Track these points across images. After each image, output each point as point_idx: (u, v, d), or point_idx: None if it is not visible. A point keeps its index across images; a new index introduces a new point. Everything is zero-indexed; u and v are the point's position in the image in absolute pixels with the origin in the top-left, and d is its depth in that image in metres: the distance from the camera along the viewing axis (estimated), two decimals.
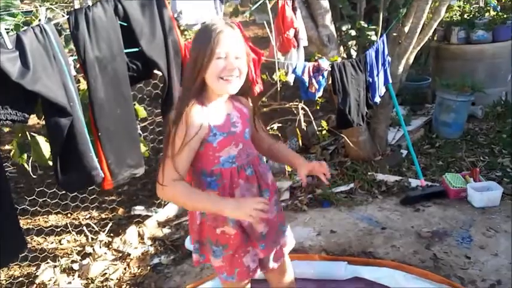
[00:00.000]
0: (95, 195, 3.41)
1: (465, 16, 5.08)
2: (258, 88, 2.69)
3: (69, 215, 3.56)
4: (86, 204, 3.34)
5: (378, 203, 3.34)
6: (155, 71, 2.37)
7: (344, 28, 3.45)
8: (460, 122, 4.25)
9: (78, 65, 2.07)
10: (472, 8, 5.37)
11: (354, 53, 3.50)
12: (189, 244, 2.94)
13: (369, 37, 3.42)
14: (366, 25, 3.41)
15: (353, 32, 3.44)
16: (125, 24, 2.17)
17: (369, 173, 3.65)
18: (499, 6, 6.57)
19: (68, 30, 2.10)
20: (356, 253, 2.78)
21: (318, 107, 3.10)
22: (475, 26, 4.83)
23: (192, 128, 1.47)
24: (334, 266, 2.54)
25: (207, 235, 1.65)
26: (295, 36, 3.02)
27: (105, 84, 2.08)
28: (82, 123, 1.98)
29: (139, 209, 3.37)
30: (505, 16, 4.86)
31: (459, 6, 5.25)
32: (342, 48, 3.44)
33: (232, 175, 1.57)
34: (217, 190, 1.57)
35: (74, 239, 3.24)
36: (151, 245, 3.05)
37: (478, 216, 3.04)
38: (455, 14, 5.25)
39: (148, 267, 2.85)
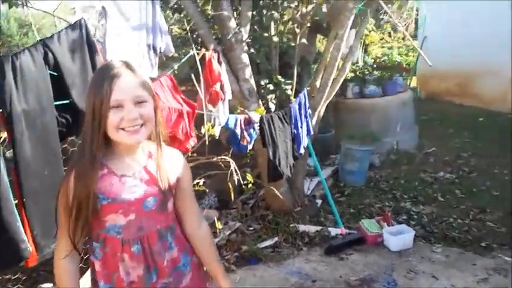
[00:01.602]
0: None
1: (357, 73, 5.61)
2: (192, 142, 2.60)
3: None
4: None
5: (303, 255, 3.37)
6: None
7: (262, 82, 3.55)
8: (363, 170, 4.57)
9: None
10: (358, 67, 5.98)
11: (272, 106, 3.60)
12: None
13: (286, 91, 3.57)
14: (282, 79, 3.56)
15: (271, 86, 3.56)
16: (55, 73, 1.96)
17: (291, 225, 3.68)
18: (375, 65, 7.42)
19: None
20: None
21: (248, 160, 3.09)
22: (366, 82, 5.35)
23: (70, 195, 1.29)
24: None
25: None
26: (221, 89, 3.03)
27: (33, 140, 1.84)
28: (6, 184, 1.69)
29: (47, 287, 2.92)
30: (389, 74, 5.48)
31: (353, 64, 5.79)
32: (260, 101, 3.52)
33: (116, 247, 1.35)
34: (100, 260, 1.37)
35: None
36: None
37: (396, 259, 3.23)
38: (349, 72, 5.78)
39: None
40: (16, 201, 1.75)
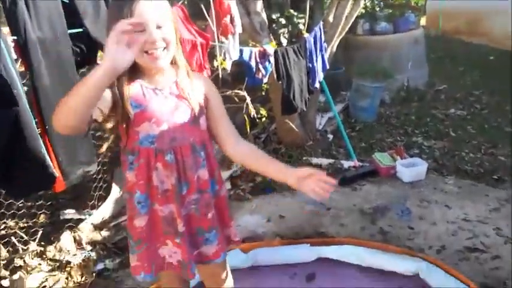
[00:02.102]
0: (0, 201, 2.92)
1: (368, 9, 5.45)
2: (205, 74, 2.56)
3: None
4: (1, 212, 2.87)
5: None
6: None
7: (274, 16, 3.46)
8: (374, 106, 4.55)
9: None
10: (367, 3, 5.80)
11: (284, 41, 3.52)
12: None
13: (298, 25, 3.48)
14: (294, 13, 3.46)
15: (283, 20, 3.47)
16: (67, 1, 1.91)
17: (304, 158, 3.72)
18: (381, 2, 7.20)
19: None
20: (309, 235, 2.81)
21: (263, 93, 3.07)
22: (377, 18, 5.21)
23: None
24: (297, 249, 2.53)
25: (127, 226, 1.50)
26: (231, 22, 2.95)
27: (50, 69, 1.82)
28: (29, 114, 1.70)
29: (69, 213, 3.00)
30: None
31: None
32: (271, 36, 3.44)
33: (150, 157, 1.39)
34: (135, 171, 1.40)
35: None
36: (91, 250, 2.74)
37: (409, 190, 3.27)
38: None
39: (94, 274, 2.56)
40: (39, 129, 1.76)
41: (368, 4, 5.63)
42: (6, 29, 1.73)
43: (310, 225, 2.90)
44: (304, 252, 2.50)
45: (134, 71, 1.35)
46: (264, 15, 3.34)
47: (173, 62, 1.42)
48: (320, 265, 2.48)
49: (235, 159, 1.55)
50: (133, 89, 1.35)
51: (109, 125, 1.36)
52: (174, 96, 1.40)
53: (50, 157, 1.79)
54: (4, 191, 1.68)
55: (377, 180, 3.45)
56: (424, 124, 4.47)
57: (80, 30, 1.94)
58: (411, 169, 3.35)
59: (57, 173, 1.80)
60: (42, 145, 1.72)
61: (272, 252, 2.53)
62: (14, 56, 1.70)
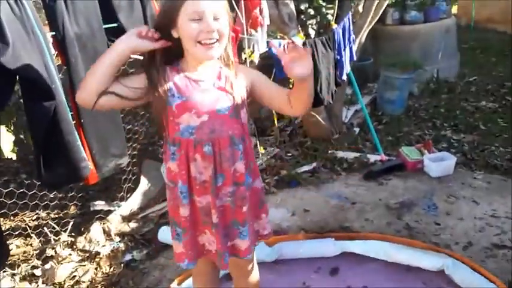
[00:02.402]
0: (34, 192, 3.03)
1: None
2: None
3: (11, 217, 3.17)
4: (34, 203, 2.99)
5: (342, 180, 3.42)
6: None
7: (303, 7, 3.44)
8: (403, 98, 4.49)
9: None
10: None
11: (312, 32, 3.51)
12: (162, 236, 2.78)
13: (326, 16, 3.46)
14: (323, 4, 3.43)
15: (311, 11, 3.45)
16: None
17: (329, 151, 3.72)
18: None
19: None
20: (334, 229, 2.82)
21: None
22: (407, 7, 5.10)
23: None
24: (322, 243, 2.55)
25: (171, 216, 1.56)
26: (260, 14, 2.95)
27: (86, 64, 1.88)
28: (66, 108, 1.76)
29: (99, 204, 3.09)
30: None
31: None
32: (299, 27, 3.43)
33: (189, 148, 1.43)
34: (177, 161, 1.45)
35: (25, 243, 2.89)
36: (120, 241, 2.83)
37: (436, 185, 3.24)
38: None
39: (122, 265, 2.64)
40: (74, 122, 1.82)
41: None
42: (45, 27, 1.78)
43: (334, 220, 2.91)
44: (329, 247, 2.51)
45: (177, 61, 1.43)
46: (292, 6, 3.32)
47: (220, 55, 1.45)
48: (344, 259, 2.49)
49: (296, 110, 1.50)
50: (176, 80, 1.40)
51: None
52: (216, 88, 1.44)
53: (84, 149, 1.85)
54: (40, 182, 1.74)
55: (404, 174, 3.42)
56: (453, 117, 4.38)
57: (115, 25, 1.98)
58: (439, 163, 3.31)
59: (91, 165, 1.87)
60: (78, 138, 1.78)
61: (297, 246, 2.56)
62: (53, 51, 1.76)
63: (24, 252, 2.77)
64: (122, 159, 2.05)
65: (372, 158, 3.64)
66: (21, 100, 1.93)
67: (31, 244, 2.84)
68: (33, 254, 2.72)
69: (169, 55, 1.42)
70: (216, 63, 1.47)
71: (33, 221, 3.15)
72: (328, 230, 2.81)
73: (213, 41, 1.35)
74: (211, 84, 1.44)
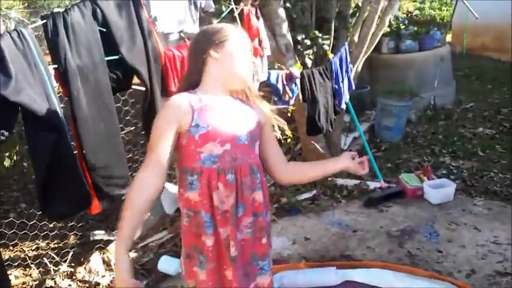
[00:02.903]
0: (34, 222, 3.01)
1: (392, 28, 5.46)
2: None
3: (10, 247, 3.14)
4: (34, 233, 2.97)
5: (343, 207, 3.42)
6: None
7: (299, 38, 3.51)
8: (401, 125, 4.53)
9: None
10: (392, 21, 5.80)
11: (309, 62, 3.57)
12: (162, 266, 2.75)
13: (323, 46, 3.52)
14: (319, 34, 3.51)
15: (308, 42, 3.52)
16: (104, 29, 1.99)
17: (329, 179, 3.72)
18: (406, 20, 7.19)
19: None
20: (335, 257, 2.80)
21: (290, 115, 3.11)
22: (402, 37, 5.21)
23: (171, 111, 1.41)
24: (324, 272, 2.53)
25: (191, 243, 1.49)
26: (259, 45, 3.01)
27: (88, 96, 1.90)
28: (68, 139, 1.77)
29: (99, 234, 3.07)
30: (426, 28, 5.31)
31: None
32: (296, 57, 3.49)
33: (211, 176, 1.41)
34: (197, 190, 1.42)
35: (24, 273, 2.86)
36: None
37: (437, 212, 3.23)
38: None
39: None
40: (76, 153, 1.83)
41: (393, 22, 5.64)
42: (47, 58, 1.82)
43: (336, 248, 2.89)
44: (331, 276, 2.49)
45: (195, 90, 1.47)
46: (289, 36, 3.39)
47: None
48: None
49: (284, 181, 1.64)
50: (201, 112, 1.41)
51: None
52: (237, 118, 1.47)
53: (86, 180, 1.86)
54: (43, 212, 1.74)
55: (404, 201, 3.42)
56: (451, 143, 4.42)
57: (117, 57, 2.02)
58: (439, 190, 3.32)
59: (93, 196, 1.87)
60: (80, 169, 1.79)
61: (298, 275, 2.53)
62: (55, 84, 1.79)
63: (24, 283, 2.74)
64: (125, 189, 2.04)
65: (372, 185, 3.65)
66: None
67: (30, 275, 2.82)
68: (32, 285, 2.69)
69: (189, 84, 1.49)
70: (233, 95, 1.53)
71: (32, 251, 3.13)
72: (330, 258, 2.79)
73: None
74: (233, 114, 1.47)
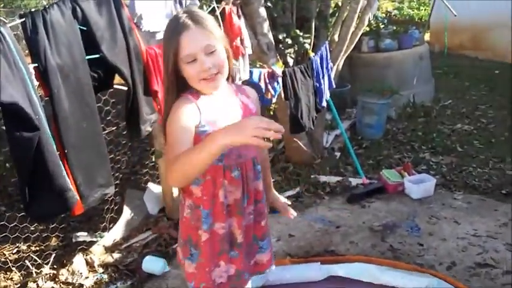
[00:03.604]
0: (15, 224, 2.96)
1: (372, 27, 5.53)
2: None
3: None
4: (15, 235, 2.92)
5: (326, 204, 3.45)
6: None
7: (280, 37, 3.53)
8: (381, 123, 4.59)
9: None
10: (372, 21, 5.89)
11: (290, 61, 3.59)
12: (146, 266, 2.74)
13: (304, 45, 3.55)
14: (300, 34, 3.54)
15: (289, 41, 3.54)
16: (84, 28, 1.98)
17: (312, 176, 3.76)
18: (385, 20, 7.30)
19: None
20: (319, 253, 2.83)
21: (272, 113, 3.12)
22: (381, 36, 5.28)
23: (183, 121, 1.35)
24: (308, 267, 2.56)
25: (188, 234, 1.54)
26: (241, 43, 3.02)
27: (69, 95, 1.88)
28: (50, 138, 1.76)
29: (82, 235, 3.04)
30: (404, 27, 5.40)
31: None
32: (278, 56, 3.51)
33: (217, 173, 1.44)
34: (200, 185, 1.45)
35: (5, 277, 2.81)
36: (103, 273, 2.78)
37: (418, 206, 3.30)
38: None
39: None
40: (58, 153, 1.81)
41: (372, 22, 5.72)
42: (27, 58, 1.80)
43: (320, 244, 2.93)
44: (315, 271, 2.52)
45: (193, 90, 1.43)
46: (270, 35, 3.41)
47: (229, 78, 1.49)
48: (331, 283, 2.50)
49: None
50: (206, 110, 1.40)
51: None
52: (238, 114, 1.46)
53: (69, 180, 1.84)
54: (27, 213, 1.72)
55: (385, 197, 3.48)
56: (431, 140, 4.49)
57: (97, 56, 2.01)
58: (419, 185, 3.38)
59: (76, 195, 1.85)
60: (63, 169, 1.77)
61: (283, 271, 2.55)
62: (35, 82, 1.77)
63: (5, 287, 2.69)
64: (108, 189, 2.03)
65: (354, 181, 3.69)
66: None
67: (12, 278, 2.77)
68: None
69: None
70: (227, 88, 1.50)
71: (13, 254, 3.08)
72: (314, 254, 2.82)
73: (213, 75, 1.37)
74: (234, 110, 1.47)
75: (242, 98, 1.53)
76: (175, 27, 1.35)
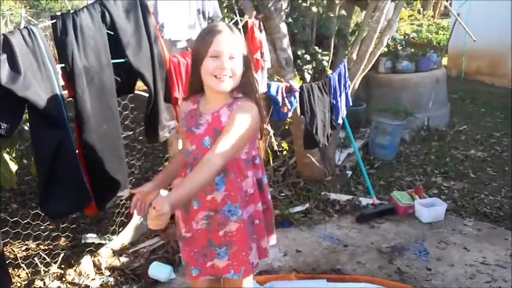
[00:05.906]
0: (27, 222, 2.98)
1: (390, 48, 5.55)
2: None
3: None
4: (26, 232, 2.95)
5: (335, 222, 3.44)
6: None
7: (299, 52, 3.57)
8: (395, 144, 4.58)
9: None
10: (390, 42, 5.92)
11: (307, 77, 3.62)
12: (152, 272, 2.75)
13: (322, 62, 3.59)
14: (319, 50, 3.57)
15: (308, 57, 3.58)
16: (111, 32, 2.03)
17: (322, 193, 3.75)
18: (403, 41, 7.31)
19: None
20: (325, 271, 2.82)
21: (286, 127, 3.14)
22: (399, 57, 5.30)
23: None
24: (314, 284, 2.55)
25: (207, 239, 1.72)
26: (261, 57, 3.07)
27: (92, 97, 1.92)
28: (71, 138, 1.79)
29: (91, 237, 3.06)
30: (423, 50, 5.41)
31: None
32: (295, 71, 3.55)
33: (183, 168, 1.71)
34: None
35: (13, 273, 2.83)
36: (110, 276, 2.79)
37: (427, 230, 3.27)
38: None
39: None
40: (77, 152, 1.85)
41: (391, 43, 5.74)
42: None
43: (326, 262, 2.91)
44: (321, 287, 2.51)
45: (198, 95, 1.69)
46: (289, 51, 3.45)
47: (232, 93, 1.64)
48: None
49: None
50: (188, 113, 1.69)
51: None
52: (206, 123, 1.64)
53: (85, 180, 1.87)
54: (41, 208, 1.75)
55: (395, 218, 3.45)
56: (443, 164, 4.47)
57: (123, 60, 2.05)
58: (430, 209, 3.36)
59: (91, 196, 1.88)
60: (81, 168, 1.80)
61: (288, 285, 2.55)
62: (61, 83, 1.81)
63: (12, 283, 2.71)
64: (123, 192, 2.06)
65: (364, 201, 3.68)
66: (25, 127, 1.97)
67: (19, 275, 2.79)
68: (21, 285, 2.67)
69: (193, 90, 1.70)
70: (227, 99, 1.63)
71: (22, 251, 3.11)
72: (320, 271, 2.81)
73: (226, 77, 1.56)
74: (205, 120, 1.64)
75: (224, 111, 1.62)
76: (213, 29, 1.59)
